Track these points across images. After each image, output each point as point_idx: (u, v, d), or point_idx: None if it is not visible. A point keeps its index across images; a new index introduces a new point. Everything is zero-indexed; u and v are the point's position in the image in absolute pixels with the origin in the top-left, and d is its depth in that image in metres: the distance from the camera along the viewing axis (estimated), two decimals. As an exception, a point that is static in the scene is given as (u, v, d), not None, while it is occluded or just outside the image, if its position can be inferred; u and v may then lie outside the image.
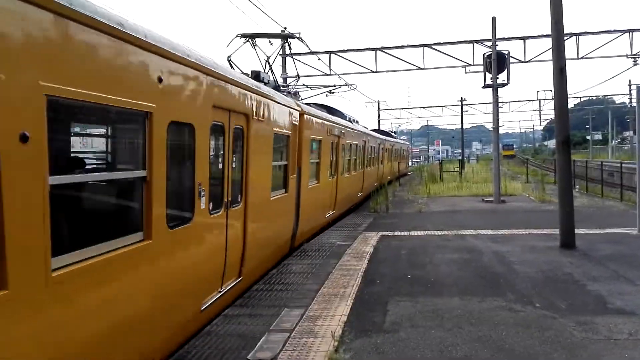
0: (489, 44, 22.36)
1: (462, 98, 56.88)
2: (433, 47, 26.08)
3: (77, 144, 5.14)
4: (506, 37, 25.12)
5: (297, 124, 11.28)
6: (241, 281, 7.99)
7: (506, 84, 22.05)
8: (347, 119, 20.27)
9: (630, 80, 64.42)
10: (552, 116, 16.16)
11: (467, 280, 8.71)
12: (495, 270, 9.45)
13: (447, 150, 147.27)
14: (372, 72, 27.02)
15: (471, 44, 25.57)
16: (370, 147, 24.80)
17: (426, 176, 35.46)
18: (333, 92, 24.34)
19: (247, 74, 9.80)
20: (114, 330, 4.45)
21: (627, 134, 76.50)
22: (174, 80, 5.44)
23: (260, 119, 8.58)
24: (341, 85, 24.16)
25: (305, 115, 11.89)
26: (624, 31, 25.30)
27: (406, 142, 62.89)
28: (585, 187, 25.69)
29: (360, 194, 21.45)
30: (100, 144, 5.42)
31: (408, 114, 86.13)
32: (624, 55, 25.96)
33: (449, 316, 6.83)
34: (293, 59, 19.07)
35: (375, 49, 26.68)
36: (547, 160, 59.81)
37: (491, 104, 22.98)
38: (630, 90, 62.49)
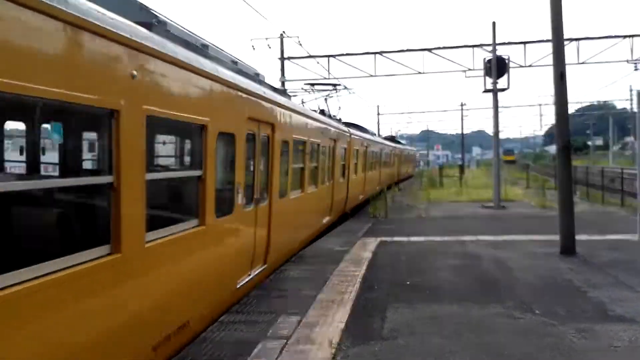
0: (489, 48, 22.38)
1: (462, 103, 57.05)
2: (433, 51, 26.04)
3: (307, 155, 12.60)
4: (506, 41, 25.07)
5: (349, 140, 19.25)
6: (329, 220, 15.87)
7: (506, 89, 22.05)
8: (370, 132, 28.55)
9: (631, 86, 64.67)
10: (553, 121, 16.25)
11: (467, 287, 8.64)
12: (495, 276, 9.38)
13: (447, 155, 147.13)
14: (371, 76, 26.97)
15: (471, 49, 25.53)
16: (385, 153, 32.65)
17: (426, 181, 35.43)
18: (332, 96, 24.32)
19: (314, 110, 17.49)
20: (300, 223, 12.09)
21: (628, 139, 76.51)
22: (323, 127, 14.38)
23: (338, 141, 16.81)
24: (340, 89, 24.14)
25: (352, 135, 19.92)
26: (625, 36, 25.28)
27: (414, 148, 72.76)
28: (586, 193, 25.62)
29: (378, 187, 27.15)
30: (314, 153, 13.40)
31: (408, 118, 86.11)
32: (625, 61, 25.92)
33: (448, 323, 6.76)
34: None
35: (375, 53, 26.65)
36: (548, 166, 59.75)
37: (491, 109, 22.96)
38: (631, 96, 62.57)
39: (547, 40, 21.56)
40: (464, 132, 62.21)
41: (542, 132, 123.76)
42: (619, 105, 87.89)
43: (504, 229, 15.17)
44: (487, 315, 7.09)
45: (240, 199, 7.51)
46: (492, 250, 11.81)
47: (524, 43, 25.31)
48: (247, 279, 8.04)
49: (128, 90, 4.46)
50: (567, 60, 12.03)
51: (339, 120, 20.15)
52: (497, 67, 21.22)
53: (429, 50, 26.04)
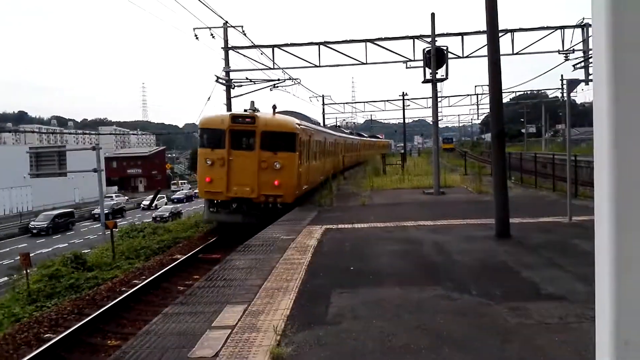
0: (429, 39, 22.81)
1: (403, 93, 57.97)
2: (375, 42, 26.30)
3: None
4: (445, 33, 25.62)
5: (375, 141, 68.91)
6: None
7: (445, 79, 22.57)
8: (367, 135, 73.08)
9: (562, 75, 67.05)
10: (489, 110, 16.78)
11: (408, 271, 8.89)
12: (435, 260, 9.68)
13: (389, 144, 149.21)
14: (316, 66, 26.96)
15: (412, 40, 25.93)
16: (375, 144, 69.14)
17: (369, 170, 35.93)
18: (277, 87, 24.25)
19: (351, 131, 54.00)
20: None
21: (559, 126, 79.81)
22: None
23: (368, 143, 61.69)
24: (285, 80, 24.10)
25: (363, 137, 61.89)
26: (556, 28, 26.29)
27: (388, 140, 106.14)
28: (520, 178, 26.67)
29: (372, 157, 49.83)
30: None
31: (352, 108, 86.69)
32: (556, 51, 27.00)
33: (390, 306, 6.95)
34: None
35: (319, 44, 26.67)
36: (485, 153, 61.73)
37: (431, 99, 23.46)
38: (562, 85, 65.21)
39: (483, 32, 22.12)
40: (406, 121, 63.37)
41: (478, 121, 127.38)
42: (551, 94, 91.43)
43: (443, 214, 15.61)
44: (426, 297, 7.32)
45: None
46: (432, 235, 12.16)
47: (462, 34, 25.93)
48: None
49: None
50: (502, 51, 12.46)
51: (356, 133, 55.59)
52: (436, 58, 21.67)
53: (371, 41, 26.28)
